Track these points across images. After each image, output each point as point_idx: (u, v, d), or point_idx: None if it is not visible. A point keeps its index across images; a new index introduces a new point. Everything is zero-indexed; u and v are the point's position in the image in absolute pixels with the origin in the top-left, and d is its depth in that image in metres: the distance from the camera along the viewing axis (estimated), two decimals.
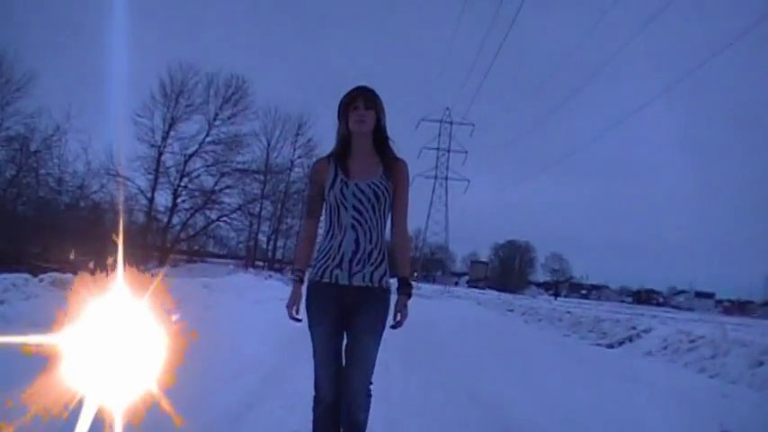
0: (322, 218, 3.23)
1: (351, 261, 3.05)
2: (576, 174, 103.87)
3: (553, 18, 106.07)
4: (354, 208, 3.07)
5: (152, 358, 1.93)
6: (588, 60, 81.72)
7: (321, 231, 3.23)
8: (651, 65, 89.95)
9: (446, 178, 73.71)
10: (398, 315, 3.11)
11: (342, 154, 3.18)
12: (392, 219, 3.20)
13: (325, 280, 3.08)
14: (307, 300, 3.13)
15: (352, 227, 3.06)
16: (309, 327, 3.10)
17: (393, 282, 3.18)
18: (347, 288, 3.06)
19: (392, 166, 3.17)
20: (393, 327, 3.09)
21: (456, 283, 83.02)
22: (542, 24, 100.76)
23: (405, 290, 3.14)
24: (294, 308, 3.13)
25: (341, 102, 3.17)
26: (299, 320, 3.13)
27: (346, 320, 3.08)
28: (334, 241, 3.09)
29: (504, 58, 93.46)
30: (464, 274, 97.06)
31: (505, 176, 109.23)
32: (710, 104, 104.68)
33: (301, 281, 3.17)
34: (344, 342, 3.11)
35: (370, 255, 3.07)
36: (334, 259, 3.07)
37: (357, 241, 3.06)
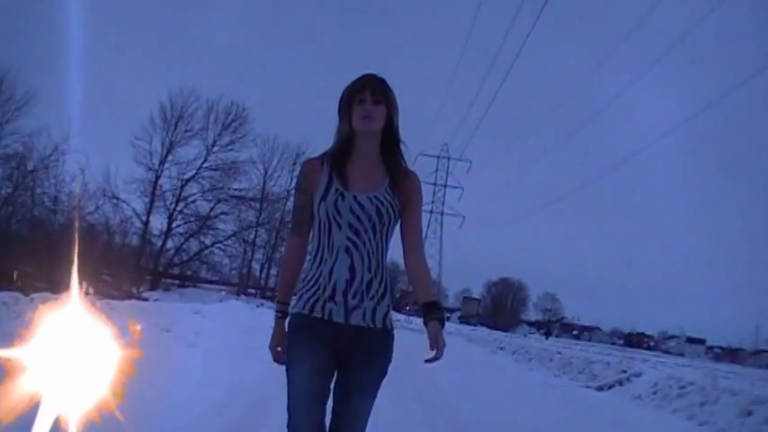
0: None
1: (345, 293, 2.42)
2: (572, 214, 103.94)
3: (555, 59, 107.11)
4: (350, 226, 2.44)
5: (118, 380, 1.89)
6: (589, 101, 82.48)
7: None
8: (652, 109, 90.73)
9: (441, 213, 73.99)
10: (434, 348, 2.41)
11: (340, 156, 2.55)
12: (405, 244, 2.58)
13: (317, 314, 2.43)
14: (289, 336, 2.50)
15: (347, 250, 2.43)
16: (288, 366, 2.47)
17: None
18: (343, 328, 2.43)
19: (402, 179, 2.56)
20: (428, 361, 2.39)
21: (447, 319, 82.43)
22: (544, 64, 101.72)
23: (435, 315, 2.46)
24: (279, 348, 2.55)
25: (344, 93, 2.55)
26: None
27: (338, 366, 2.48)
28: (323, 267, 2.45)
29: (504, 96, 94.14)
30: (456, 309, 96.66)
31: (501, 214, 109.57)
32: (709, 151, 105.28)
33: (285, 316, 2.57)
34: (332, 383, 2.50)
35: (369, 285, 2.45)
36: (324, 290, 2.43)
37: (352, 268, 2.43)
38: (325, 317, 2.42)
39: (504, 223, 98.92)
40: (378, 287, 2.47)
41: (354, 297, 2.43)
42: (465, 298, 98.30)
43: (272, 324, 2.63)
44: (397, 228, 2.59)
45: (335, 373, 2.49)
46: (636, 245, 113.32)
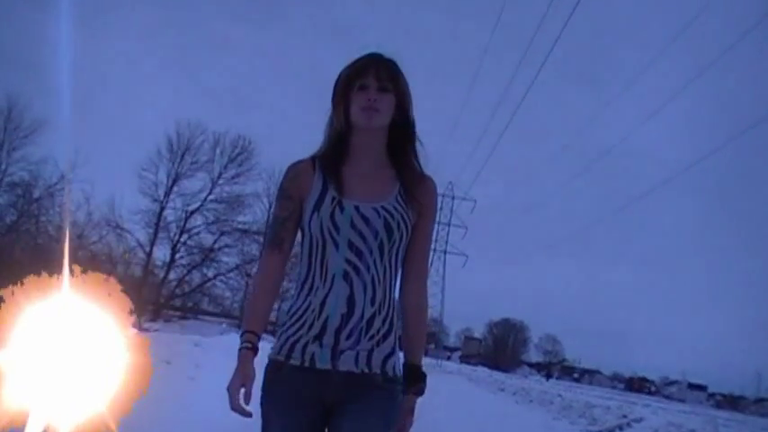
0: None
1: (338, 331, 1.85)
2: (576, 256, 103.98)
3: (562, 99, 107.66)
4: (351, 245, 1.88)
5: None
6: (596, 142, 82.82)
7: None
8: (658, 152, 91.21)
9: (445, 252, 73.87)
10: (401, 425, 1.92)
11: (334, 157, 2.00)
12: (405, 268, 2.01)
13: (294, 362, 1.87)
14: (262, 390, 1.92)
15: (345, 275, 1.88)
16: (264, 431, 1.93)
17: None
18: (329, 376, 1.85)
19: (417, 185, 1.99)
20: None
21: (448, 358, 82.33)
22: (552, 104, 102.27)
23: (414, 384, 1.93)
24: (242, 393, 1.84)
25: (340, 75, 2.01)
26: (249, 415, 1.84)
27: (328, 425, 1.91)
28: (312, 298, 1.90)
29: (509, 137, 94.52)
30: (457, 349, 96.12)
31: (505, 254, 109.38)
32: (712, 197, 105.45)
33: (254, 349, 1.91)
34: None
35: (370, 323, 1.87)
36: (311, 327, 1.87)
37: (351, 299, 1.86)
38: (306, 363, 1.87)
39: (508, 263, 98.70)
40: (380, 326, 1.89)
41: (349, 337, 1.86)
42: (466, 338, 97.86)
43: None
44: None
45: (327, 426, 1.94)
46: (639, 289, 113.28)
